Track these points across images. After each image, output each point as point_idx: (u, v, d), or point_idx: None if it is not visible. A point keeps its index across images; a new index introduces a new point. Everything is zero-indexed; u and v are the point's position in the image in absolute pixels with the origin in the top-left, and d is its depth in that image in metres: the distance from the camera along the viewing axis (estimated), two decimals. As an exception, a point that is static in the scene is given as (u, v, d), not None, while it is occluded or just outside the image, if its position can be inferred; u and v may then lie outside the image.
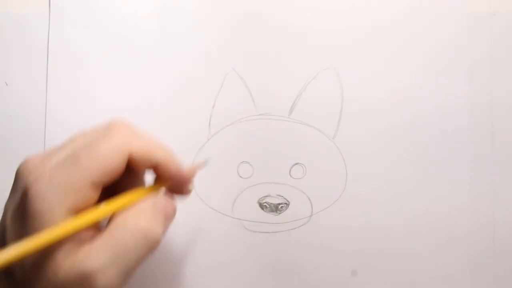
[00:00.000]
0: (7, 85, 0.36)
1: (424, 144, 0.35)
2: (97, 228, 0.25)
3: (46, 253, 0.23)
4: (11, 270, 0.23)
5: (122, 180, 0.25)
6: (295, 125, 0.35)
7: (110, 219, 0.25)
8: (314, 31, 0.35)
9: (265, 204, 0.35)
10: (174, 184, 0.27)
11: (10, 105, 0.36)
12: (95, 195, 0.24)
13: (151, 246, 0.24)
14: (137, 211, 0.25)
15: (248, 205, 0.35)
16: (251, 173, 0.35)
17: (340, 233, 0.34)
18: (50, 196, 0.22)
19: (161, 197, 0.26)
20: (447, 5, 0.35)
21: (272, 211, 0.35)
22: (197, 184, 0.35)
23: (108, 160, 0.24)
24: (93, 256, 0.23)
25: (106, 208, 0.24)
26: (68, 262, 0.22)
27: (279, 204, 0.35)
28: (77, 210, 0.23)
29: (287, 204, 0.35)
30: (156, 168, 0.26)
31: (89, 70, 0.35)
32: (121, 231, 0.24)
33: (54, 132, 0.35)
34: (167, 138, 0.35)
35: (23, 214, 0.23)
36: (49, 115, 0.35)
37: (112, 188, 0.25)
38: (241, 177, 0.35)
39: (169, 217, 0.26)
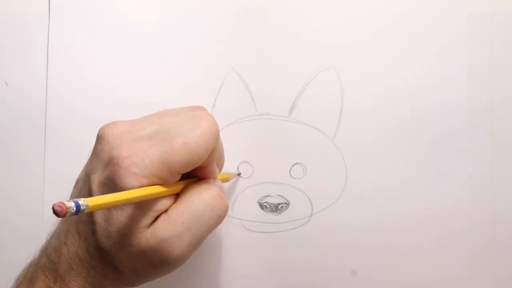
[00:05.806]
0: (7, 85, 0.36)
1: (424, 144, 0.35)
2: (172, 200, 0.26)
3: (129, 222, 0.24)
4: (98, 243, 0.24)
5: None
6: (295, 125, 0.35)
7: (181, 193, 0.26)
8: (314, 31, 0.35)
9: (265, 204, 0.35)
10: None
11: (10, 105, 0.36)
12: (175, 180, 0.25)
13: (219, 218, 0.26)
14: (206, 187, 0.26)
15: (248, 205, 0.35)
16: (251, 173, 0.35)
17: (340, 233, 0.34)
18: (140, 178, 0.23)
19: (218, 180, 0.28)
20: (447, 5, 0.35)
21: (272, 211, 0.35)
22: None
23: (199, 152, 0.25)
24: (171, 224, 0.24)
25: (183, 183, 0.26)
26: (149, 230, 0.24)
27: (279, 204, 0.35)
28: None
29: (287, 204, 0.35)
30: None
31: (89, 70, 0.35)
32: (195, 203, 0.25)
33: (54, 132, 0.35)
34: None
35: (110, 187, 0.24)
36: (49, 114, 0.35)
37: None
38: (241, 177, 0.35)
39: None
